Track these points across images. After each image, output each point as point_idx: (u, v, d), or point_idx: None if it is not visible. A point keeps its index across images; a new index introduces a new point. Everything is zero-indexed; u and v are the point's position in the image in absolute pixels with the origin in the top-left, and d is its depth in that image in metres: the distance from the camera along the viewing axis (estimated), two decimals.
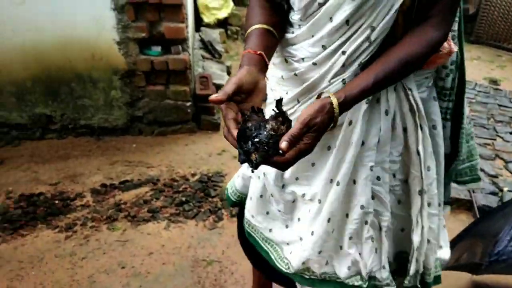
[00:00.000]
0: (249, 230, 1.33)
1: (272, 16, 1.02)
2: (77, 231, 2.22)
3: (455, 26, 1.04)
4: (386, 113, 1.01)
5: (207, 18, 4.84)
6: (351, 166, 1.02)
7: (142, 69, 2.96)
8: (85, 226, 2.26)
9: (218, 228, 2.28)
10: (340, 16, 0.91)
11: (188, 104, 3.16)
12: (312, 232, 1.13)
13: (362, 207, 1.07)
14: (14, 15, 2.66)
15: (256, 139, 0.81)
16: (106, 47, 2.83)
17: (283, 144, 0.79)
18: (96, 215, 2.34)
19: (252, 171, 0.81)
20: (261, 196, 1.25)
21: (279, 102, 0.86)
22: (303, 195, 1.14)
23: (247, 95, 0.88)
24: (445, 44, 1.00)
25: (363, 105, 0.97)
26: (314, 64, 0.98)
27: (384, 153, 1.04)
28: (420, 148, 1.04)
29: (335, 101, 0.85)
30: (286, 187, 1.18)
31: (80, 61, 2.83)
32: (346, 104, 0.87)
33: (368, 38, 0.91)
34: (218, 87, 3.51)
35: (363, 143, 1.02)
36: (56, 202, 2.45)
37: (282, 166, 0.83)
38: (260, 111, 0.86)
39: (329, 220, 1.09)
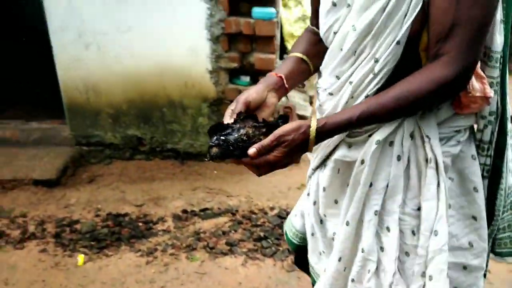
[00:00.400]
0: (311, 272, 1.27)
1: (313, 47, 1.11)
2: (158, 257, 2.24)
3: (495, 73, 0.93)
4: (399, 158, 0.97)
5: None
6: (359, 206, 1.01)
7: (230, 98, 2.99)
8: (165, 253, 2.27)
9: (296, 271, 2.17)
10: (346, 46, 0.93)
11: None
12: (325, 269, 1.14)
13: (362, 250, 1.04)
14: (118, 42, 2.84)
15: (222, 137, 0.90)
16: (198, 75, 2.91)
17: (251, 150, 0.87)
18: (176, 242, 2.36)
19: (208, 159, 0.91)
20: (312, 234, 1.22)
21: (281, 117, 0.95)
22: (334, 233, 1.14)
23: (254, 110, 1.00)
24: (476, 85, 0.90)
25: (372, 145, 0.96)
26: (330, 94, 1.01)
27: (394, 202, 0.99)
28: (429, 205, 0.95)
29: (313, 125, 0.89)
30: (324, 224, 1.18)
31: (174, 88, 2.94)
32: (325, 131, 0.90)
33: (372, 69, 0.91)
34: (301, 118, 3.45)
35: (371, 185, 1.00)
36: (140, 224, 2.51)
37: (253, 170, 0.92)
38: (264, 121, 0.95)
39: (340, 259, 1.08)
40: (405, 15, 0.86)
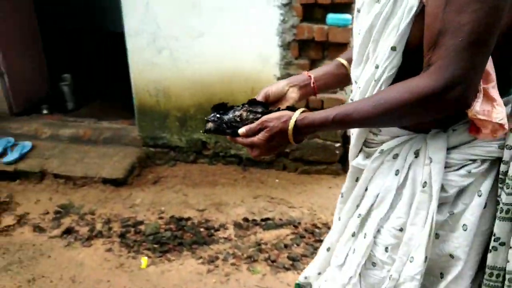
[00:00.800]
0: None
1: None
2: (219, 266, 2.21)
3: None
4: (396, 173, 0.95)
5: None
6: (353, 206, 1.04)
7: (297, 106, 2.91)
8: (226, 262, 2.24)
9: None
10: (355, 51, 0.96)
11: (337, 145, 3.02)
12: (315, 257, 1.21)
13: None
14: (189, 48, 2.86)
15: (218, 115, 1.03)
16: (266, 82, 2.84)
17: (240, 130, 0.98)
18: (237, 252, 2.31)
19: (203, 133, 1.05)
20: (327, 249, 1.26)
21: (288, 108, 1.00)
22: None
23: (275, 102, 1.12)
24: (477, 106, 0.81)
25: (376, 153, 0.97)
26: (351, 100, 1.02)
27: (379, 214, 0.98)
28: (413, 230, 0.93)
29: (294, 117, 0.93)
30: None
31: (241, 94, 2.91)
32: (303, 125, 0.92)
33: (374, 75, 0.90)
34: None
35: (367, 189, 1.02)
36: (202, 230, 2.50)
37: (249, 150, 1.00)
38: (276, 108, 1.04)
39: (328, 249, 1.13)
40: (401, 21, 0.84)
